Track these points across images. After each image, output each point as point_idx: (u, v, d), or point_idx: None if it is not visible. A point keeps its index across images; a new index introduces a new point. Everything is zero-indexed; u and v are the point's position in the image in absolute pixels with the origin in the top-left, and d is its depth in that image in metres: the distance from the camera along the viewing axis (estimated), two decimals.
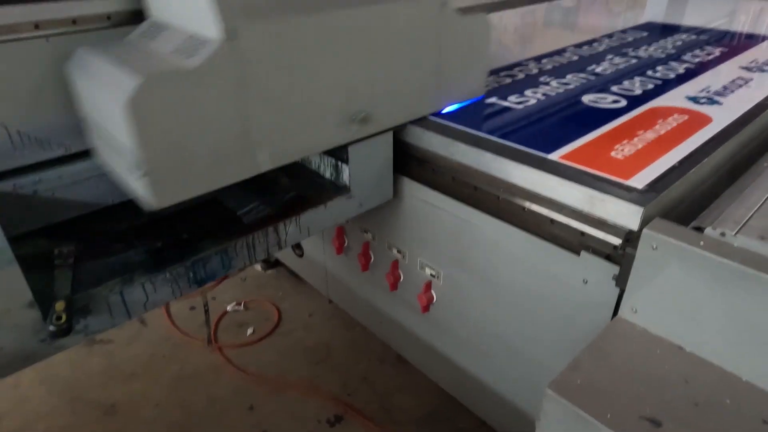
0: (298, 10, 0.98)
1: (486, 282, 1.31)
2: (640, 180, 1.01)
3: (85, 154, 1.18)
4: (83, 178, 1.16)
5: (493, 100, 1.47)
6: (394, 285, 1.59)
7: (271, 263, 2.57)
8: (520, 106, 1.42)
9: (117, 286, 0.97)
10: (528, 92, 1.52)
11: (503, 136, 1.22)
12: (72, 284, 0.99)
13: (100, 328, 0.95)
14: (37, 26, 1.04)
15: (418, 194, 1.38)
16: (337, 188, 1.29)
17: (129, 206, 1.26)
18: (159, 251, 1.13)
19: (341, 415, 1.82)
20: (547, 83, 1.60)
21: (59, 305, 0.87)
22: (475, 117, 1.36)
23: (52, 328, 0.83)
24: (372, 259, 1.66)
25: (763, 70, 1.68)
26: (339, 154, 1.25)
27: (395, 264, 1.56)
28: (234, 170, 1.04)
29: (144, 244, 1.16)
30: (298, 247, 2.07)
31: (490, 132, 1.25)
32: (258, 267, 2.58)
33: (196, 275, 1.06)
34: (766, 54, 1.87)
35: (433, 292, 1.49)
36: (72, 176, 1.15)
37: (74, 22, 1.09)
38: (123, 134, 0.88)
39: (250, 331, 2.19)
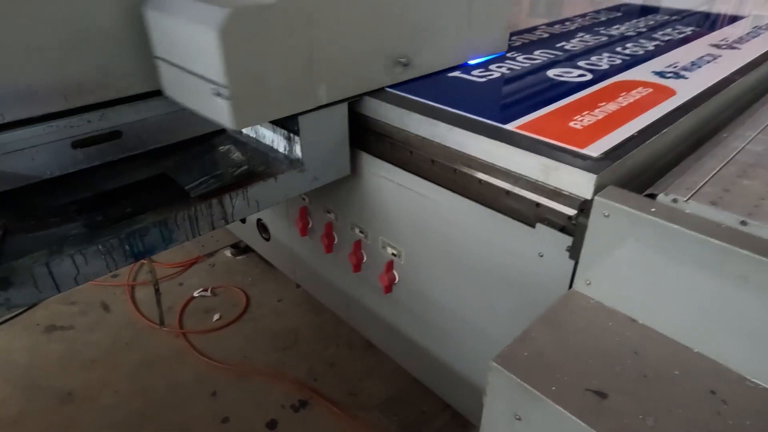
0: None
1: (446, 259, 1.27)
2: (595, 149, 0.98)
3: (21, 123, 1.12)
4: (17, 149, 1.10)
5: (456, 74, 1.42)
6: (358, 266, 1.55)
7: (242, 249, 2.51)
8: (483, 80, 1.38)
9: (43, 257, 0.91)
10: (492, 67, 1.47)
11: (460, 108, 1.18)
12: None
13: (24, 302, 0.90)
14: None
15: (376, 170, 1.33)
16: (291, 161, 1.24)
17: (72, 181, 1.21)
18: (98, 225, 1.08)
19: (306, 400, 1.78)
20: (513, 58, 1.56)
21: None
22: (434, 90, 1.31)
23: None
24: (336, 240, 1.62)
25: (733, 47, 1.66)
26: (290, 125, 1.20)
27: (358, 244, 1.52)
28: (299, 101, 1.16)
29: (85, 218, 1.11)
30: (264, 231, 2.02)
31: (448, 104, 1.20)
32: (228, 253, 2.52)
33: (133, 248, 1.00)
34: (738, 32, 1.85)
35: (395, 271, 1.45)
36: (3, 146, 1.09)
37: None
38: (211, 62, 1.00)
39: (216, 317, 2.14)
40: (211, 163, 1.30)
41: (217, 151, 1.35)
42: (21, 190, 1.15)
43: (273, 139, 1.29)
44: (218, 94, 1.03)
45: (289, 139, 1.23)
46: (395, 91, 1.29)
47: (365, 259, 1.53)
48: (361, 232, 1.50)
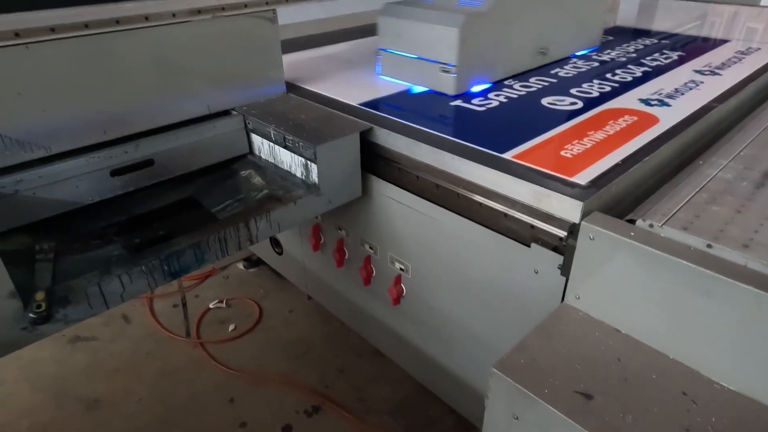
0: None
1: (450, 274, 1.39)
2: (583, 177, 1.10)
3: (65, 155, 1.24)
4: (63, 178, 1.23)
5: (457, 103, 1.55)
6: (367, 279, 1.66)
7: (254, 262, 2.63)
8: (482, 109, 1.50)
9: (95, 277, 1.03)
10: (491, 95, 1.60)
11: (462, 137, 1.30)
12: (53, 277, 1.05)
13: (79, 317, 1.01)
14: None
15: (386, 192, 1.45)
16: (307, 186, 1.36)
17: (109, 206, 1.33)
18: (136, 247, 1.19)
19: (318, 405, 1.88)
20: (510, 86, 1.68)
21: (39, 295, 0.93)
22: (438, 119, 1.44)
23: (32, 315, 0.90)
24: (346, 255, 1.73)
25: (714, 73, 1.78)
26: (307, 154, 1.32)
27: (368, 259, 1.64)
28: (488, 77, 1.75)
29: (123, 240, 1.22)
30: (277, 245, 2.14)
31: (451, 133, 1.32)
32: (240, 266, 2.64)
33: (171, 268, 1.12)
34: (721, 57, 1.97)
35: (402, 285, 1.56)
36: (52, 177, 1.21)
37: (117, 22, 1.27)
38: (447, 49, 1.57)
39: (231, 327, 2.25)
40: (234, 188, 1.42)
41: (239, 176, 1.47)
42: (65, 215, 1.27)
43: (291, 164, 1.41)
44: (445, 71, 1.59)
45: (306, 166, 1.35)
46: (403, 121, 1.41)
47: (375, 273, 1.65)
48: (370, 248, 1.61)
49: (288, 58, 2.03)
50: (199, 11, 1.33)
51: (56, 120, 1.21)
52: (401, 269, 1.54)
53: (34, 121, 1.18)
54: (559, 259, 1.08)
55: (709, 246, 0.88)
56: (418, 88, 1.69)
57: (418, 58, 1.65)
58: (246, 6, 1.41)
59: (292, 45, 2.23)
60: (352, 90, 1.66)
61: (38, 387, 1.97)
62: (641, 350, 0.95)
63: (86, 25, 1.18)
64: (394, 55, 1.72)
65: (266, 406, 1.89)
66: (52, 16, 1.14)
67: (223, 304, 2.38)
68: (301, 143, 1.32)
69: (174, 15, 1.30)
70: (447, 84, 1.60)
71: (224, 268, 2.63)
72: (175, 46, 1.33)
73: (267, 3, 1.44)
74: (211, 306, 2.37)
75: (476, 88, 1.68)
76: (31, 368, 2.05)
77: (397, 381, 1.95)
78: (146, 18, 1.26)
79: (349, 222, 1.64)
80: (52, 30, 1.14)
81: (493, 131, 1.37)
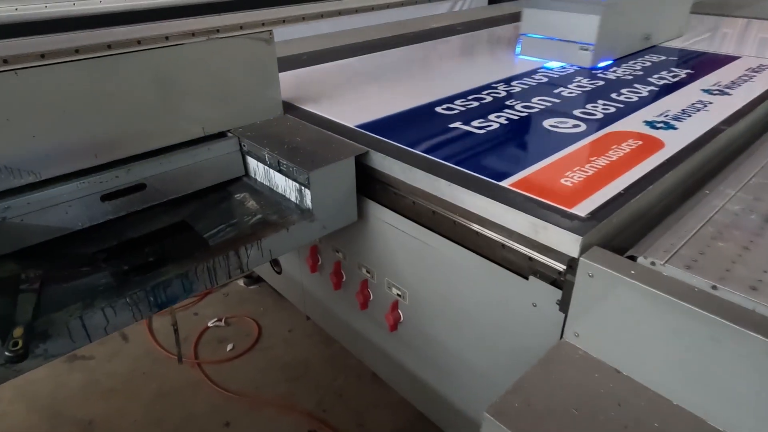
0: None
1: (446, 303, 1.34)
2: (583, 208, 1.05)
3: (54, 180, 1.22)
4: (52, 204, 1.21)
5: (456, 124, 1.51)
6: (364, 304, 1.62)
7: (254, 279, 2.60)
8: (482, 131, 1.46)
9: (77, 311, 1.00)
10: (492, 116, 1.56)
11: (459, 163, 1.26)
12: (35, 308, 1.03)
13: (60, 352, 0.99)
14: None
15: (382, 216, 1.42)
16: (301, 211, 1.33)
17: (100, 230, 1.31)
18: (125, 274, 1.17)
19: (315, 430, 1.84)
20: (512, 107, 1.64)
21: (17, 331, 0.90)
22: (436, 143, 1.40)
23: (8, 354, 0.87)
24: (344, 278, 1.70)
25: (723, 93, 1.73)
26: (301, 179, 1.29)
27: (365, 283, 1.60)
28: (610, 55, 2.20)
29: (112, 267, 1.20)
30: (276, 264, 2.11)
31: (448, 158, 1.29)
32: (241, 282, 2.62)
33: (157, 299, 1.09)
34: (730, 75, 1.92)
35: (400, 311, 1.52)
36: (41, 203, 1.19)
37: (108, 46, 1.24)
38: (588, 32, 2.04)
39: (230, 347, 2.23)
40: (228, 212, 1.39)
41: (233, 199, 1.45)
42: (55, 240, 1.25)
43: (285, 188, 1.38)
44: (584, 50, 2.05)
45: (300, 191, 1.32)
46: (400, 145, 1.38)
47: (372, 297, 1.61)
48: (367, 272, 1.58)
49: (288, 75, 2.02)
50: (192, 34, 1.32)
51: (46, 145, 1.19)
52: (398, 295, 1.50)
53: (23, 146, 1.16)
54: (557, 293, 1.04)
55: (714, 287, 0.84)
56: (552, 64, 2.14)
57: (559, 39, 2.13)
58: (241, 27, 1.39)
59: (294, 62, 2.21)
60: (350, 110, 1.64)
61: (34, 407, 1.95)
62: (642, 394, 0.91)
63: (77, 51, 1.17)
64: (534, 39, 2.21)
65: (262, 431, 1.85)
66: (42, 42, 1.13)
67: (222, 323, 2.35)
68: (294, 168, 1.29)
69: (167, 38, 1.28)
70: (584, 59, 2.08)
71: (224, 285, 2.60)
72: (169, 68, 1.31)
73: (263, 24, 1.43)
74: (209, 324, 2.34)
75: (602, 64, 2.11)
76: (28, 388, 2.03)
77: (396, 406, 1.91)
78: (138, 42, 1.24)
79: (346, 245, 1.61)
80: (42, 56, 1.13)
81: (492, 156, 1.33)
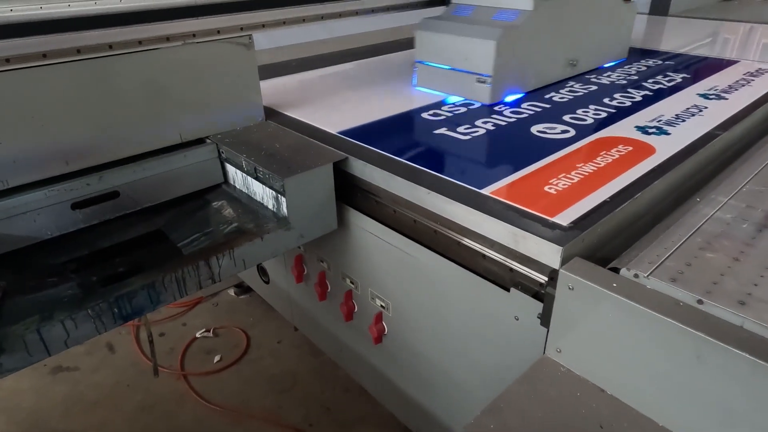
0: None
1: (429, 315, 1.29)
2: (566, 217, 1.00)
3: (22, 188, 1.18)
4: (19, 212, 1.17)
5: (442, 131, 1.47)
6: (349, 315, 1.57)
7: (245, 288, 2.56)
8: (467, 137, 1.41)
9: (34, 324, 0.96)
10: (479, 122, 1.51)
11: (441, 170, 1.22)
12: None
13: (16, 366, 0.94)
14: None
15: (364, 225, 1.37)
16: (278, 219, 1.28)
17: (71, 239, 1.27)
18: (92, 285, 1.13)
19: None
20: (500, 113, 1.60)
21: None
22: (419, 149, 1.36)
23: None
24: (329, 289, 1.65)
25: (720, 98, 1.67)
26: (277, 186, 1.24)
27: (349, 294, 1.55)
28: (520, 87, 1.80)
29: (80, 277, 1.16)
30: (264, 274, 2.06)
31: (430, 165, 1.24)
32: (231, 292, 2.57)
33: (122, 311, 1.05)
34: (728, 80, 1.87)
35: (384, 323, 1.47)
36: (7, 211, 1.15)
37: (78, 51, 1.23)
38: (484, 61, 1.64)
39: (217, 358, 2.18)
40: (205, 220, 1.35)
41: (210, 207, 1.41)
42: (22, 249, 1.21)
43: (263, 196, 1.34)
44: (482, 82, 1.64)
45: (276, 199, 1.28)
46: (380, 151, 1.33)
47: (356, 309, 1.56)
48: (351, 282, 1.53)
49: (274, 82, 1.98)
50: (167, 38, 1.28)
51: (14, 152, 1.16)
52: (382, 306, 1.45)
53: None
54: (539, 306, 0.99)
55: (699, 302, 0.78)
56: (454, 98, 1.76)
57: (454, 69, 1.72)
58: (219, 32, 1.36)
59: (282, 68, 2.18)
60: (334, 116, 1.60)
61: (14, 420, 1.91)
62: (627, 415, 0.85)
63: (44, 55, 1.13)
64: (430, 67, 1.80)
65: None
66: (9, 46, 1.10)
67: (210, 333, 2.31)
68: (270, 175, 1.25)
69: (140, 42, 1.25)
70: (482, 94, 1.68)
71: (214, 294, 2.56)
72: (144, 74, 1.28)
73: (242, 29, 1.39)
74: (197, 335, 2.29)
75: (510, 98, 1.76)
76: (10, 399, 1.99)
77: (384, 421, 1.85)
78: (110, 46, 1.21)
79: (330, 254, 1.56)
80: (7, 60, 1.10)
81: (476, 163, 1.28)
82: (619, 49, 2.23)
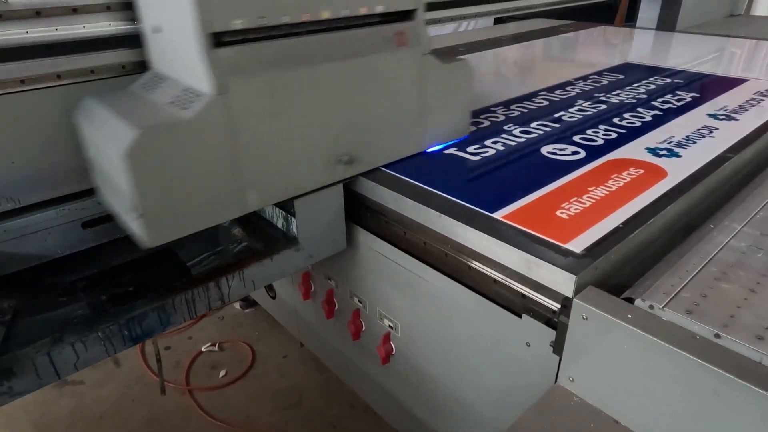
0: (282, 66, 1.07)
1: (439, 337, 1.29)
2: (579, 243, 0.99)
3: (33, 207, 1.19)
4: (30, 231, 1.17)
5: (451, 151, 1.46)
6: (357, 334, 1.57)
7: (251, 302, 2.55)
8: (477, 158, 1.41)
9: (45, 347, 0.96)
10: (488, 142, 1.51)
11: (451, 192, 1.21)
12: (5, 342, 0.99)
13: (26, 389, 0.94)
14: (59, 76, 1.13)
15: (373, 245, 1.37)
16: (287, 239, 1.28)
17: (81, 257, 1.27)
18: (102, 304, 1.12)
19: None
20: (510, 131, 1.60)
21: None
22: (429, 170, 1.35)
23: None
24: (336, 307, 1.64)
25: (730, 118, 1.67)
26: (287, 207, 1.24)
27: (356, 313, 1.54)
28: (224, 211, 1.10)
29: (90, 296, 1.16)
30: (270, 289, 2.06)
31: (440, 187, 1.24)
32: (237, 306, 2.57)
33: (132, 333, 1.05)
34: (738, 99, 1.86)
35: (392, 343, 1.46)
36: (18, 230, 1.15)
37: (92, 71, 1.18)
38: (122, 180, 0.95)
39: (222, 373, 2.17)
40: (213, 239, 1.35)
41: (219, 226, 1.40)
42: (33, 268, 1.21)
43: (273, 215, 1.34)
44: (132, 211, 0.97)
45: (286, 219, 1.28)
46: (391, 172, 1.33)
47: (364, 328, 1.55)
48: (359, 301, 1.52)
49: None
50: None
51: (26, 171, 1.16)
52: (390, 327, 1.44)
53: (2, 172, 1.13)
54: (551, 334, 0.98)
55: (717, 336, 0.77)
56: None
57: (113, 183, 1.05)
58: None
59: None
60: None
61: None
62: None
63: (58, 76, 1.14)
64: (102, 176, 1.14)
65: None
66: (23, 68, 1.11)
67: (216, 348, 2.30)
68: None
69: None
70: (136, 229, 1.01)
71: (220, 308, 2.55)
72: None
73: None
74: (203, 349, 2.29)
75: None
76: (14, 413, 1.99)
77: None
78: (123, 67, 1.22)
79: (338, 272, 1.56)
80: (22, 81, 1.10)
81: (486, 185, 1.28)
82: (448, 125, 1.47)
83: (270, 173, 1.12)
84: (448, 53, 2.56)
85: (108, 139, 0.99)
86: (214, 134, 1.01)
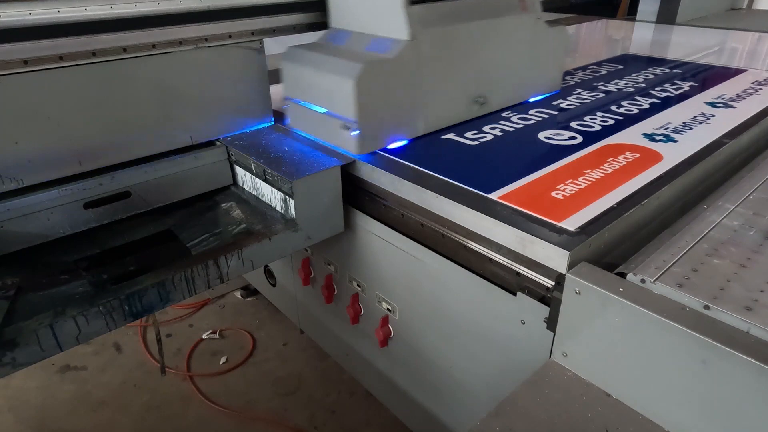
0: (451, 22, 1.43)
1: (436, 318, 1.30)
2: (573, 222, 1.01)
3: (36, 187, 1.21)
4: (33, 211, 1.19)
5: (449, 136, 1.48)
6: (355, 318, 1.58)
7: (251, 291, 2.57)
8: (475, 143, 1.43)
9: (47, 319, 0.97)
10: (486, 128, 1.52)
11: (448, 175, 1.23)
12: (8, 315, 1.00)
13: (29, 361, 0.96)
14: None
15: (370, 228, 1.38)
16: (285, 221, 1.30)
17: (83, 238, 1.29)
18: (103, 284, 1.14)
19: None
20: (508, 119, 1.61)
21: None
22: (427, 154, 1.37)
23: None
24: (336, 292, 1.66)
25: (728, 106, 1.68)
26: (285, 188, 1.26)
27: (355, 297, 1.56)
28: (405, 133, 1.45)
29: (91, 275, 1.17)
30: (270, 276, 2.08)
31: (437, 170, 1.25)
32: (238, 294, 2.58)
33: (132, 308, 1.06)
34: (736, 88, 1.87)
35: (390, 326, 1.48)
36: (22, 209, 1.17)
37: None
38: (346, 103, 1.30)
39: (223, 360, 2.19)
40: (213, 221, 1.36)
41: (219, 208, 1.42)
42: (36, 247, 1.23)
43: (271, 198, 1.35)
44: (346, 128, 1.33)
45: (284, 200, 1.29)
46: (389, 156, 1.35)
47: (363, 312, 1.57)
48: (358, 285, 1.54)
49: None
50: (180, 42, 1.31)
51: (29, 152, 1.18)
52: (388, 310, 1.45)
53: (5, 153, 1.15)
54: (546, 311, 0.99)
55: (706, 307, 0.79)
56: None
57: (321, 111, 1.41)
58: (230, 36, 1.38)
59: None
60: None
61: (21, 418, 1.93)
62: (633, 419, 0.85)
63: (61, 57, 1.16)
64: (299, 106, 1.49)
65: None
66: (26, 49, 1.12)
67: (217, 335, 2.32)
68: (279, 177, 1.26)
69: (154, 46, 1.27)
70: (349, 143, 1.35)
71: (221, 296, 2.57)
72: (157, 77, 1.30)
73: (252, 33, 1.41)
74: (204, 337, 2.31)
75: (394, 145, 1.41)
76: (18, 397, 2.01)
77: (389, 425, 1.85)
78: (124, 50, 1.23)
79: (337, 257, 1.57)
80: (26, 62, 1.12)
81: (484, 168, 1.29)
82: (547, 79, 1.83)
83: (435, 105, 1.47)
84: None
85: (334, 72, 1.32)
86: (406, 70, 1.35)
